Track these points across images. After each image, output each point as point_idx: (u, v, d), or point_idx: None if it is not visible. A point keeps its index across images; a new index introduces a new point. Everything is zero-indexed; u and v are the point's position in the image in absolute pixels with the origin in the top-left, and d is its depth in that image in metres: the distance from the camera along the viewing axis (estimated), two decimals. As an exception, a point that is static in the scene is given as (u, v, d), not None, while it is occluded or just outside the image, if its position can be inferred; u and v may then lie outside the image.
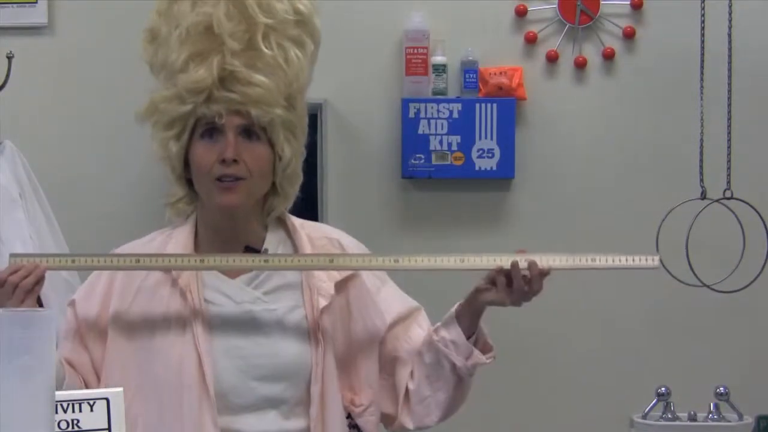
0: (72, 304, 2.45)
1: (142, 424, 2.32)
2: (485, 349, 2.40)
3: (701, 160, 3.17)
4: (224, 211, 2.37)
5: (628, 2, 3.58)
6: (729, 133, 3.17)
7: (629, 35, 3.58)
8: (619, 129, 3.61)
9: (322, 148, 3.51)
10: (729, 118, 3.17)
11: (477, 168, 3.53)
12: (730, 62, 3.17)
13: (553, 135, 3.61)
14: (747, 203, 3.20)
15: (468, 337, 2.36)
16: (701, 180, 3.17)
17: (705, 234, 3.17)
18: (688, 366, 3.58)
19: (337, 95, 3.53)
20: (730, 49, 3.15)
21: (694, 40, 3.17)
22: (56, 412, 1.81)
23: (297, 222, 2.48)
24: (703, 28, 3.17)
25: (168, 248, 2.41)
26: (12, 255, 2.34)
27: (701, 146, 3.18)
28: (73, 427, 1.86)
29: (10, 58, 3.16)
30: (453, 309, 2.39)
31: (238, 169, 2.32)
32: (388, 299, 2.46)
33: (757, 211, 3.19)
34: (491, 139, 3.54)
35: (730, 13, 3.16)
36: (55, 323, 1.76)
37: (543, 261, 2.31)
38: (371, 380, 2.42)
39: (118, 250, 2.47)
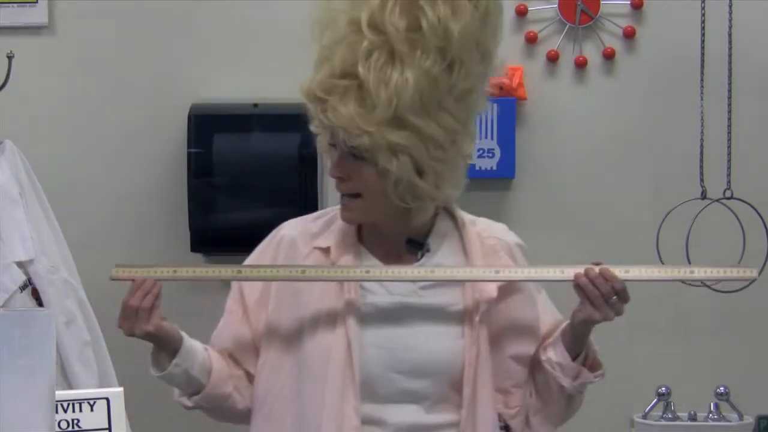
0: None
1: (293, 406, 2.34)
2: (594, 366, 2.39)
3: (701, 160, 3.18)
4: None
5: (628, 2, 3.58)
6: (729, 133, 3.18)
7: (629, 35, 3.57)
8: (619, 129, 3.60)
9: (323, 148, 3.51)
10: (729, 118, 3.18)
11: (477, 168, 3.52)
12: (730, 62, 3.18)
13: (553, 135, 3.60)
14: (747, 203, 3.21)
15: (576, 356, 2.36)
16: (701, 180, 3.18)
17: (705, 234, 3.17)
18: (688, 366, 3.58)
19: (337, 95, 3.52)
20: (730, 49, 3.16)
21: (694, 40, 3.18)
22: (56, 412, 1.81)
23: (468, 218, 2.45)
24: (703, 28, 3.18)
25: (329, 230, 2.41)
26: (117, 266, 2.33)
27: (701, 146, 3.19)
28: (73, 427, 1.86)
29: (10, 58, 3.16)
30: (560, 328, 2.39)
31: (347, 186, 2.32)
32: (543, 308, 2.45)
33: (757, 211, 3.19)
34: (491, 138, 3.53)
35: (730, 13, 3.17)
36: (55, 323, 1.76)
37: (640, 272, 2.32)
38: (522, 381, 2.41)
39: (286, 225, 2.47)
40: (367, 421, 2.31)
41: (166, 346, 2.32)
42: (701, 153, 3.19)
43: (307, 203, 3.47)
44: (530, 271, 2.36)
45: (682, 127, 3.54)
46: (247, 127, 3.52)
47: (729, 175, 3.21)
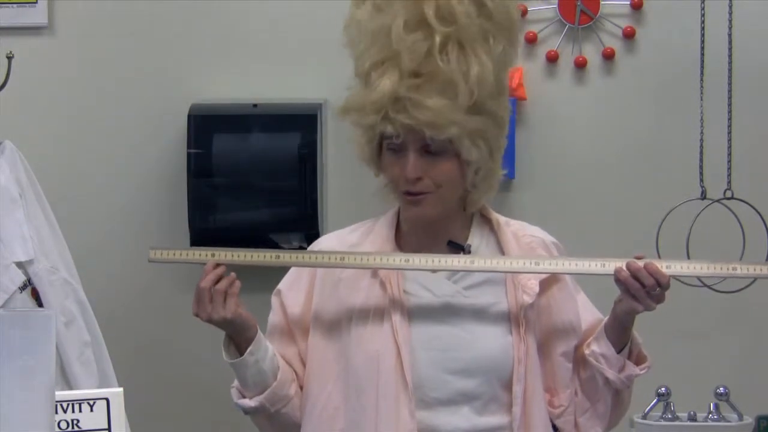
0: (278, 294, 2.46)
1: (343, 416, 2.33)
2: (639, 360, 2.39)
3: (701, 160, 3.18)
4: (415, 222, 2.38)
5: (628, 2, 3.58)
6: (729, 133, 3.18)
7: (629, 35, 3.57)
8: (619, 129, 3.60)
9: (322, 148, 3.51)
10: (729, 118, 3.18)
11: (477, 168, 3.52)
12: (730, 62, 3.18)
13: (553, 135, 3.60)
14: (747, 203, 3.21)
15: (621, 349, 2.36)
16: (701, 180, 3.17)
17: (705, 234, 3.17)
18: (688, 366, 3.58)
19: (337, 95, 3.51)
20: (730, 49, 3.16)
21: (694, 40, 3.17)
22: (56, 412, 1.81)
23: (502, 219, 2.48)
24: (703, 28, 3.17)
25: (368, 240, 2.43)
26: (153, 248, 2.34)
27: (701, 146, 3.19)
28: (73, 427, 1.86)
29: (10, 58, 3.16)
30: (603, 321, 2.39)
31: (422, 185, 2.32)
32: (583, 307, 2.46)
33: (757, 211, 3.19)
34: (491, 139, 3.53)
35: (730, 13, 3.17)
36: (55, 323, 1.76)
37: (681, 268, 2.34)
38: (567, 380, 2.41)
39: (323, 239, 2.51)
40: (420, 429, 2.30)
41: (240, 335, 2.31)
42: (701, 153, 3.19)
43: (307, 203, 3.47)
44: (570, 264, 2.36)
45: (682, 127, 3.53)
46: (247, 127, 3.51)
47: (729, 175, 3.21)
